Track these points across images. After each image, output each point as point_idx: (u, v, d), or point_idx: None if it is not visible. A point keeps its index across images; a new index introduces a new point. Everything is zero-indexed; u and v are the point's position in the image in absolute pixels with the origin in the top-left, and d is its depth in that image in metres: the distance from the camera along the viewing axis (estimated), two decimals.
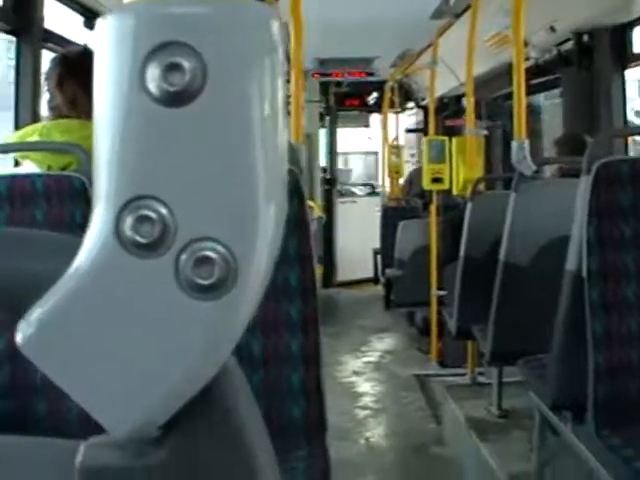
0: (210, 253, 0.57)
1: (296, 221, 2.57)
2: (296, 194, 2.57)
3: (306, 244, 2.58)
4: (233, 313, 0.58)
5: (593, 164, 2.73)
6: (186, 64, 0.55)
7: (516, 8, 4.31)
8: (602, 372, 2.66)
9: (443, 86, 9.70)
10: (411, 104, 12.54)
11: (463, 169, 5.96)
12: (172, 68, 0.55)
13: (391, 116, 11.68)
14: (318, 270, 11.10)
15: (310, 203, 9.70)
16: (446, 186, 6.63)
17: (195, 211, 0.57)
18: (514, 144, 4.09)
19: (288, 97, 8.73)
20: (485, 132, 7.51)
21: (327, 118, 12.91)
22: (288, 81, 4.15)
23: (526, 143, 4.06)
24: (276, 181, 0.62)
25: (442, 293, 6.65)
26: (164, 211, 0.56)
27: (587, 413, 2.69)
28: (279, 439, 0.76)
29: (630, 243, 2.73)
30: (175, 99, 0.56)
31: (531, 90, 7.74)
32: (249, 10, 0.58)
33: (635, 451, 2.45)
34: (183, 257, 0.57)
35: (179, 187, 0.57)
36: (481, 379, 5.94)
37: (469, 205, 5.05)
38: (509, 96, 8.04)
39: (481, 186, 5.56)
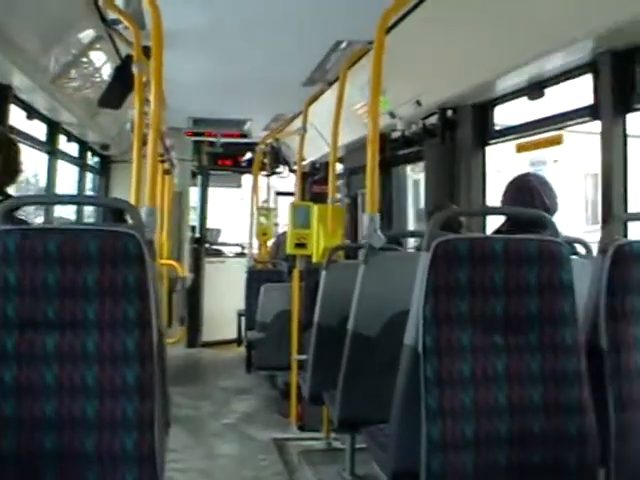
0: None
1: (135, 287, 2.57)
2: (136, 260, 2.58)
3: (146, 310, 2.58)
4: None
5: (432, 241, 2.80)
6: None
7: (374, 82, 4.40)
8: (435, 444, 2.71)
9: (315, 152, 9.83)
10: (282, 168, 12.64)
11: (323, 236, 6.03)
12: None
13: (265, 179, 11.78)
14: (180, 330, 11.09)
15: (173, 263, 9.68)
16: (309, 252, 6.66)
17: None
18: (365, 216, 4.13)
19: (161, 155, 8.76)
20: (346, 200, 7.66)
21: (199, 177, 12.93)
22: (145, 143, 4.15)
23: (377, 216, 4.12)
24: None
25: (302, 357, 6.67)
26: None
27: None
28: None
29: (465, 320, 2.80)
30: None
31: (398, 161, 7.94)
32: None
33: None
34: None
35: None
36: (336, 444, 5.96)
37: (323, 273, 5.08)
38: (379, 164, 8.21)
39: (340, 254, 5.64)
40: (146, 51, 4.94)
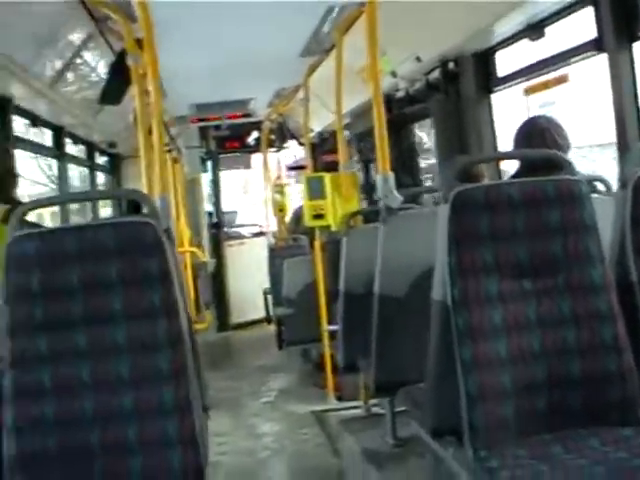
0: None
1: (158, 275, 2.58)
2: (155, 248, 2.58)
3: (170, 297, 2.59)
4: None
5: (450, 192, 2.77)
6: None
7: (370, 43, 4.36)
8: (473, 396, 2.68)
9: (321, 122, 9.79)
10: (290, 142, 12.57)
11: (340, 204, 6.01)
12: None
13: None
14: (208, 315, 11.10)
15: (193, 249, 9.71)
16: (328, 222, 6.63)
17: None
18: (379, 178, 4.09)
19: (167, 144, 8.75)
20: (358, 165, 7.65)
21: (209, 162, 12.93)
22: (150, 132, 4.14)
23: (391, 176, 4.08)
24: None
25: (333, 328, 6.65)
26: None
27: (464, 437, 2.72)
28: None
29: (491, 269, 2.76)
30: None
31: (406, 120, 7.89)
32: None
33: (511, 473, 2.48)
34: None
35: None
36: (376, 410, 5.95)
37: (344, 240, 5.04)
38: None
39: (358, 220, 5.62)
40: (139, 43, 4.91)
